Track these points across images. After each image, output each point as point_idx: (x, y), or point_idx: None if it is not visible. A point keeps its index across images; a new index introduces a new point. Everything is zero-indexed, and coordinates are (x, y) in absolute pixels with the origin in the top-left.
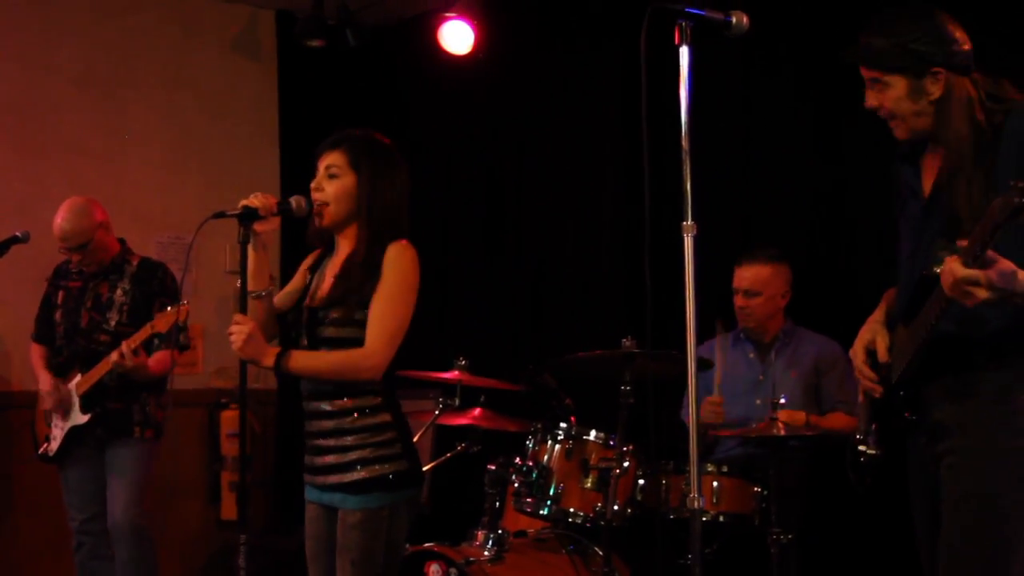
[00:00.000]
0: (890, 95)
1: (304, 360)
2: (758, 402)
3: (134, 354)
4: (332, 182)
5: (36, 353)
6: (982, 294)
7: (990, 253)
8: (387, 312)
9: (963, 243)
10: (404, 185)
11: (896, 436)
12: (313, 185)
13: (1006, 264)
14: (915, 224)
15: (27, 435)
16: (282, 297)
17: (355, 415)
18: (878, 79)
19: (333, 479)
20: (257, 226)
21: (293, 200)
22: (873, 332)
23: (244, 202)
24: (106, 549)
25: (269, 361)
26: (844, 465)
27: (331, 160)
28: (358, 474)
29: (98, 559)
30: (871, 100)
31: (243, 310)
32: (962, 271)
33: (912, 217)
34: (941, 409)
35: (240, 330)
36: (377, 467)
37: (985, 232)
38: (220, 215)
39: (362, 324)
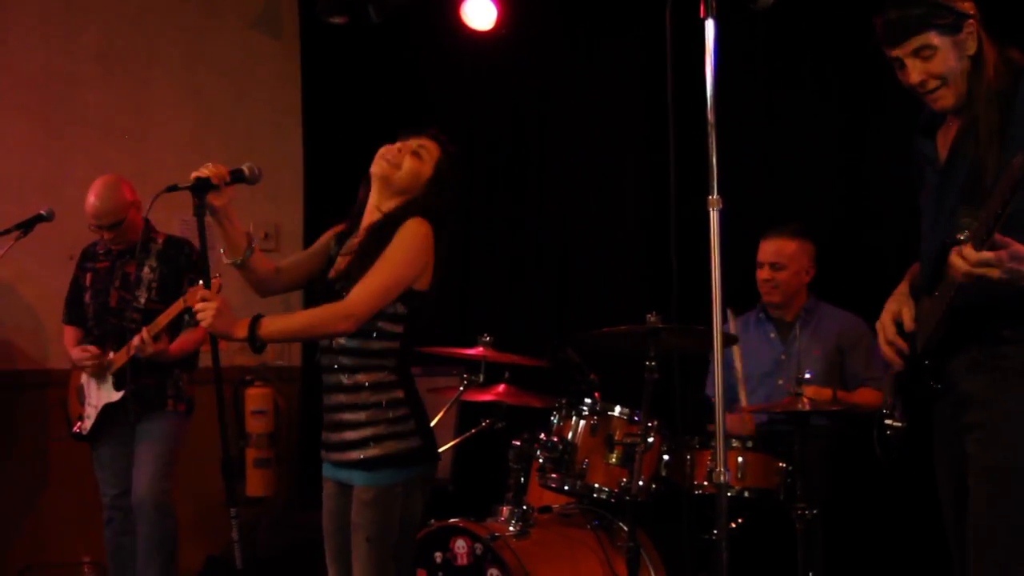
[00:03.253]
0: (939, 58)
1: (276, 324)
2: (781, 382)
3: (155, 339)
4: (415, 160)
5: (69, 335)
6: (995, 274)
7: (999, 237)
8: (377, 270)
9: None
10: (458, 191)
11: (922, 408)
12: (396, 146)
13: (1020, 247)
14: (934, 194)
15: (58, 413)
16: (295, 259)
17: (368, 391)
18: (924, 46)
19: (347, 456)
20: (213, 200)
21: (245, 167)
22: (899, 303)
23: (195, 173)
24: (136, 524)
25: (241, 332)
26: (869, 440)
27: (425, 144)
28: (371, 451)
29: (128, 534)
30: (916, 75)
31: (207, 285)
32: (975, 254)
33: (931, 187)
34: (967, 381)
35: (207, 306)
36: (390, 444)
37: (1004, 193)
38: (172, 188)
39: None
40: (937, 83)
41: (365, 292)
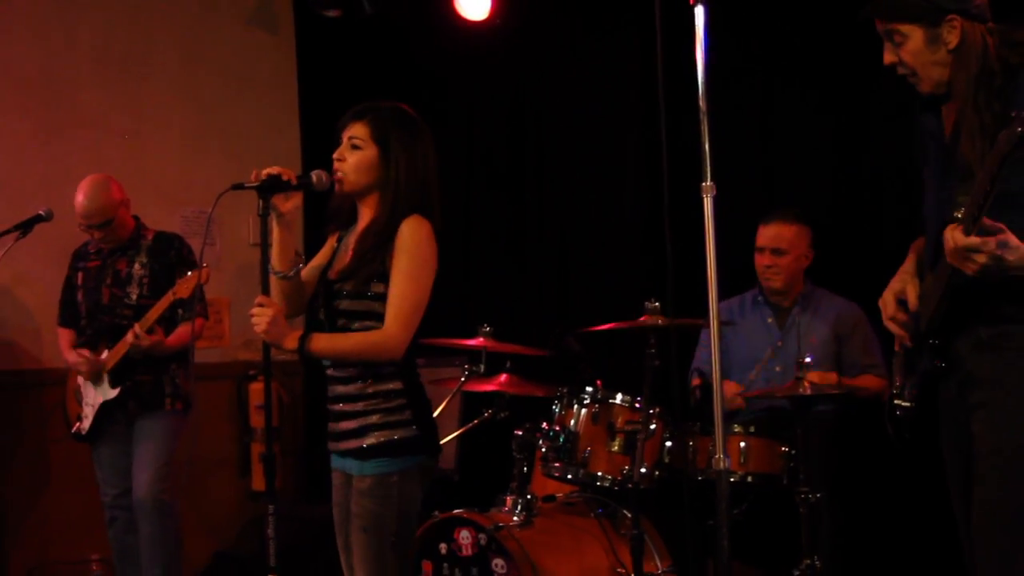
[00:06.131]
0: (908, 47)
1: (325, 343)
2: (778, 369)
3: (149, 332)
4: (354, 153)
5: (64, 338)
6: (981, 259)
7: (988, 222)
8: (403, 291)
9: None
10: (429, 158)
11: (929, 388)
12: (335, 155)
13: (1010, 237)
14: (938, 171)
15: (59, 413)
16: (308, 271)
17: (367, 381)
18: (896, 31)
19: (346, 445)
20: (280, 204)
21: (314, 174)
22: (903, 282)
23: (265, 171)
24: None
25: (291, 344)
26: (872, 422)
27: (354, 131)
28: (367, 440)
29: (133, 533)
30: (889, 56)
31: (265, 289)
32: (962, 239)
33: (935, 164)
34: (971, 360)
35: (263, 312)
36: (385, 433)
37: (991, 169)
38: (239, 187)
39: (376, 297)
40: (905, 71)
41: (400, 318)
